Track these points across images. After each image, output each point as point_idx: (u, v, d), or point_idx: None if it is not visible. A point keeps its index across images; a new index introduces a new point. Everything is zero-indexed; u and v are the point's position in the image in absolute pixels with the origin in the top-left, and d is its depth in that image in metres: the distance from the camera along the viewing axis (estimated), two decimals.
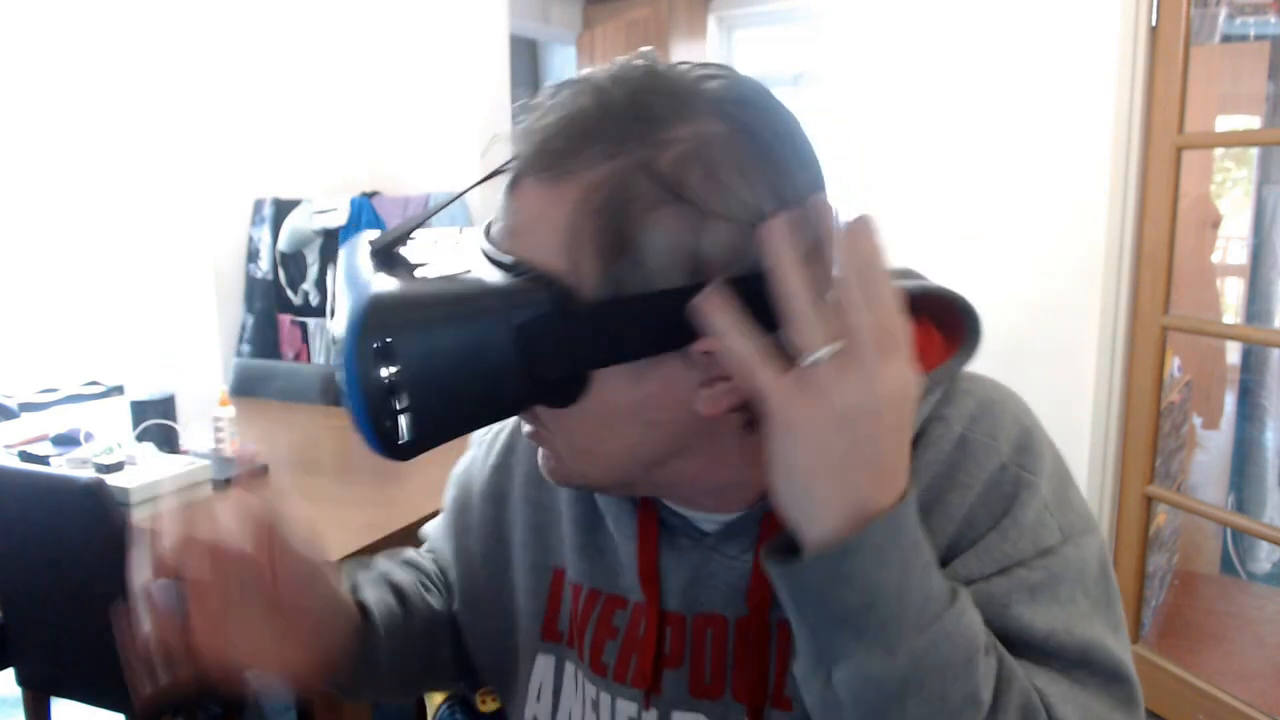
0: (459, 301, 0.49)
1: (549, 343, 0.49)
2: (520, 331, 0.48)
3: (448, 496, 0.81)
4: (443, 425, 0.50)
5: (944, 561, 0.56)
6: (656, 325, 0.49)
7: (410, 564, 0.81)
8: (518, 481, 0.74)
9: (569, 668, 0.70)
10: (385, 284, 0.49)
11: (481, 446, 0.79)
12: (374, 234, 0.57)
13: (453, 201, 0.62)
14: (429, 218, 0.56)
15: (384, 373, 0.47)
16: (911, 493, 0.48)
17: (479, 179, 0.60)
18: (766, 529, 0.62)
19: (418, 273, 0.51)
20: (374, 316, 0.47)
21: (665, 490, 0.63)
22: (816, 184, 0.53)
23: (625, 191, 0.49)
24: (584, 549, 0.69)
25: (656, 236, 0.48)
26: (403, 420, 0.48)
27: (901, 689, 0.47)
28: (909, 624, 0.47)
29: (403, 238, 0.55)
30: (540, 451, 0.61)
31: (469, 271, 0.51)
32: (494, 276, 0.50)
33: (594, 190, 0.49)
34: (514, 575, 0.74)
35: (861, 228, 0.47)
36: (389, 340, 0.47)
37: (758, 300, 0.47)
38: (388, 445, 0.49)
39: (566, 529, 0.71)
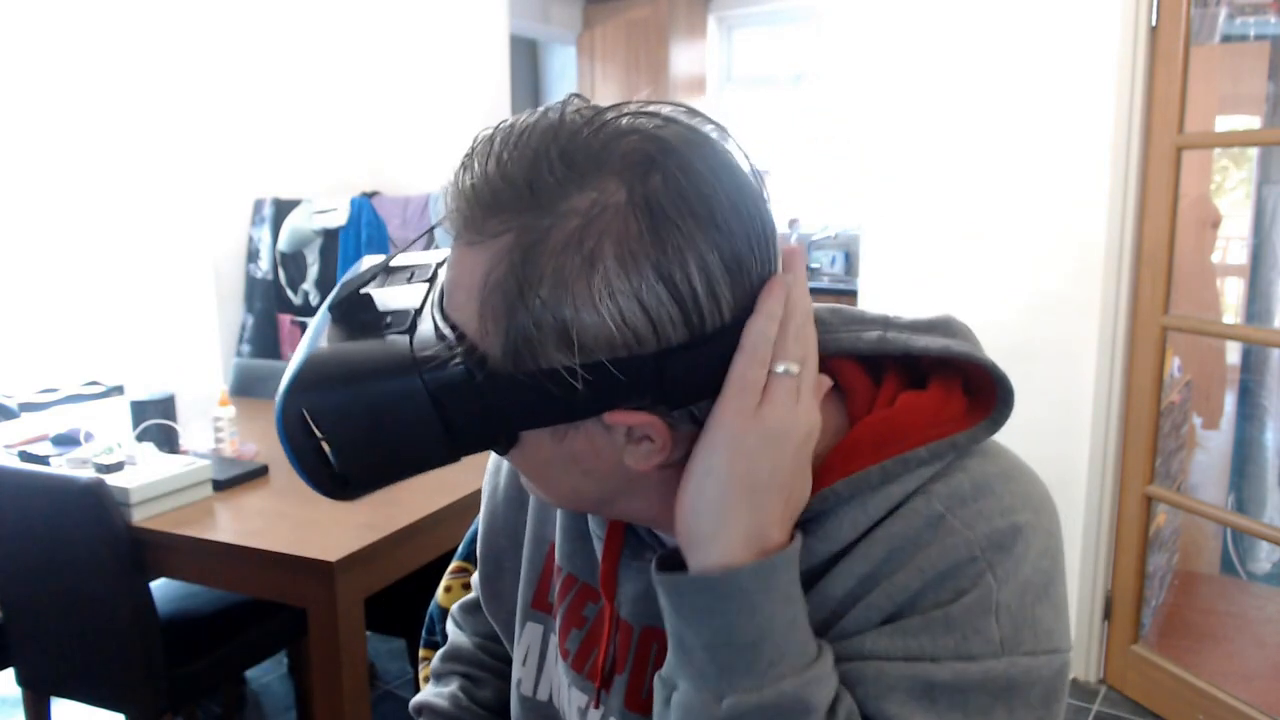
0: (379, 364, 0.51)
1: (465, 404, 0.50)
2: (437, 393, 0.50)
3: (486, 479, 0.83)
4: (374, 473, 0.54)
5: (859, 633, 0.55)
6: (559, 398, 0.49)
7: (447, 675, 0.87)
8: None
9: (551, 640, 0.73)
10: (319, 344, 0.53)
11: None
12: (367, 266, 0.59)
13: (396, 260, 0.62)
14: (380, 272, 0.58)
15: (309, 429, 0.51)
16: (798, 542, 0.52)
17: (419, 234, 0.64)
18: None
19: (359, 330, 0.54)
20: (300, 378, 0.51)
21: (630, 518, 0.63)
22: (746, 233, 0.50)
23: (516, 270, 0.48)
24: (569, 532, 0.71)
25: (541, 315, 0.47)
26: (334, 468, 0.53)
27: None
28: (773, 667, 0.50)
29: (361, 290, 0.56)
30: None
31: (405, 328, 0.53)
32: (425, 334, 0.52)
33: (496, 263, 0.48)
34: (524, 541, 0.77)
35: (798, 271, 0.52)
36: (313, 399, 0.51)
37: (648, 379, 0.49)
38: (325, 489, 0.54)
39: (560, 511, 0.73)
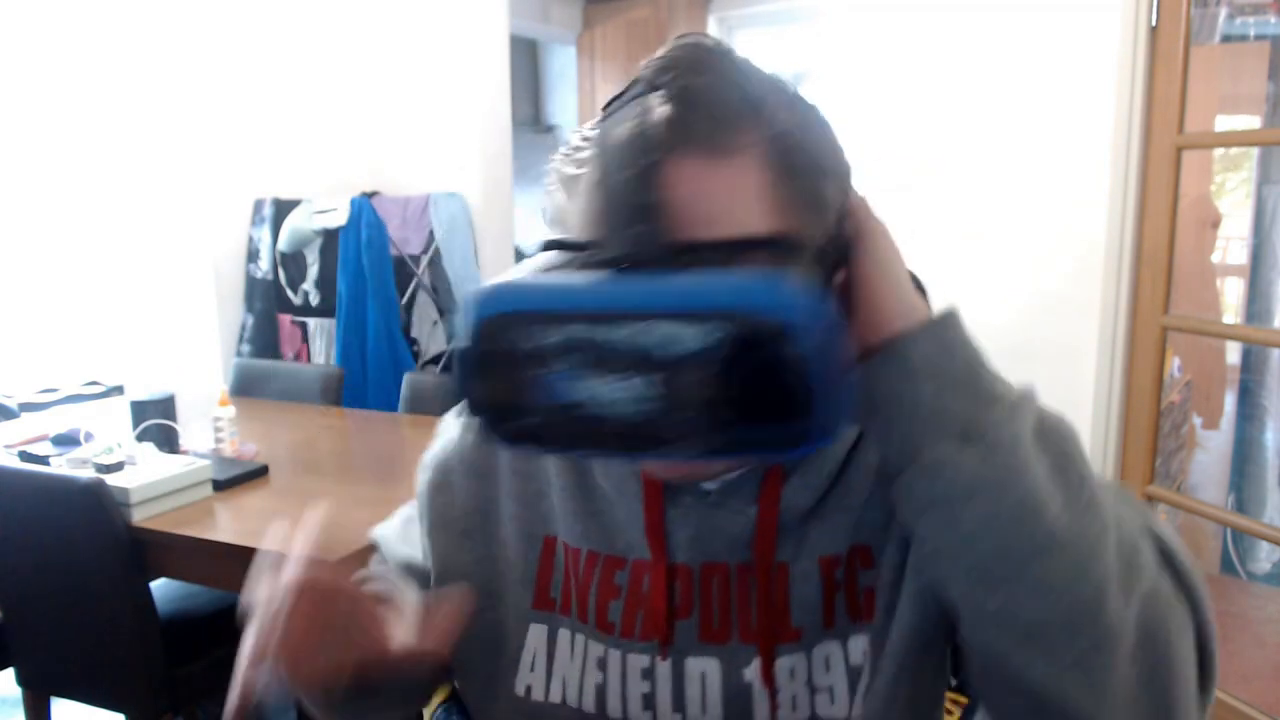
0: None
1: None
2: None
3: (420, 481, 0.81)
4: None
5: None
6: (832, 265, 0.56)
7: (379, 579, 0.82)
8: (504, 455, 0.76)
9: (563, 634, 0.72)
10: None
11: (455, 427, 0.80)
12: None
13: None
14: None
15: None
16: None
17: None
18: (767, 484, 0.67)
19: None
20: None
21: None
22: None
23: (798, 162, 0.55)
24: (579, 514, 0.72)
25: (826, 190, 0.56)
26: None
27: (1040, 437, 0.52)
28: (1010, 390, 0.54)
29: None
30: (669, 465, 0.63)
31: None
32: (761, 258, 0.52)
33: (780, 158, 0.55)
34: (500, 549, 0.75)
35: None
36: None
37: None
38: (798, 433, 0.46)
39: (557, 496, 0.73)
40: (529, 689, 0.73)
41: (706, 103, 0.54)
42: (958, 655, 0.69)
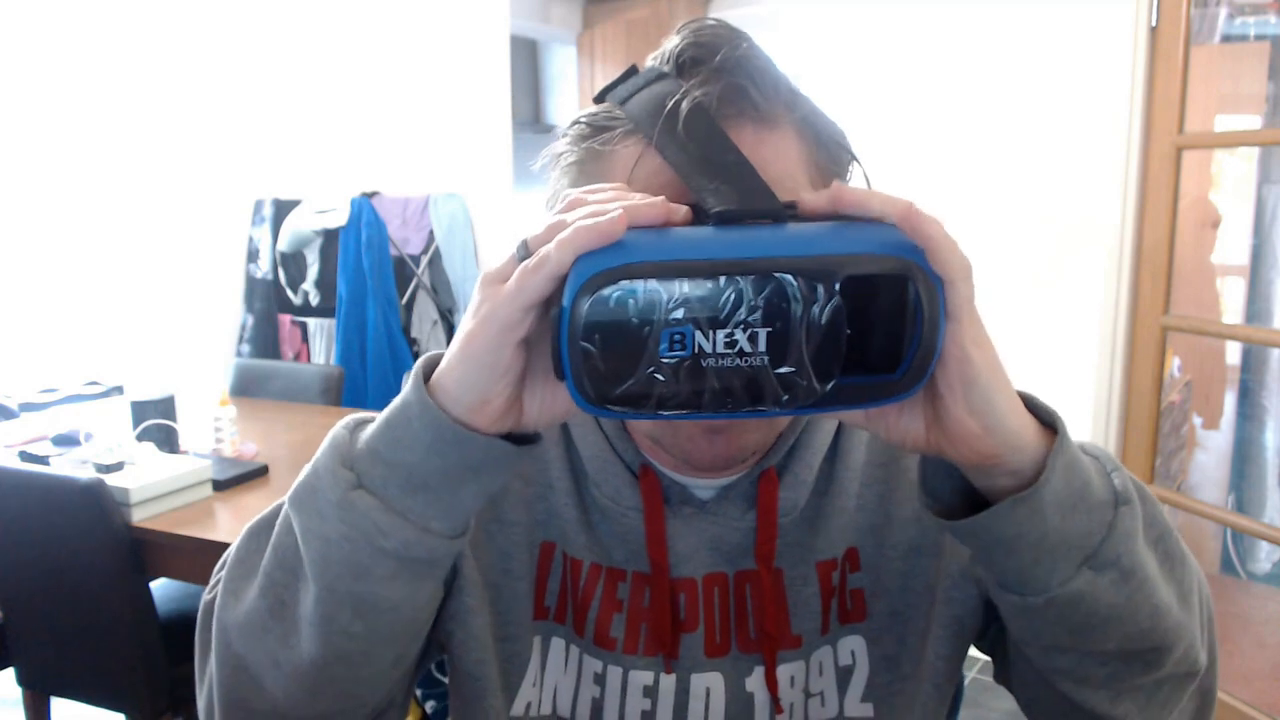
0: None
1: None
2: None
3: None
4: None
5: None
6: None
7: None
8: None
9: (556, 643, 0.70)
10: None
11: None
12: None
13: None
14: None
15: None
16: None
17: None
18: (763, 489, 0.66)
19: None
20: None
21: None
22: None
23: (822, 134, 0.59)
24: (580, 524, 0.69)
25: (846, 166, 0.60)
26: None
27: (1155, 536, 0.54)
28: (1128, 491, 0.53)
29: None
30: (716, 443, 0.60)
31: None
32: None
33: (810, 130, 0.58)
34: (500, 558, 0.70)
35: None
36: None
37: None
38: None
39: (560, 501, 0.70)
40: (529, 706, 0.69)
41: (751, 73, 0.55)
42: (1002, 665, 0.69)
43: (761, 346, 0.43)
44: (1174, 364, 2.76)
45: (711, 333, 0.43)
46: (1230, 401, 3.35)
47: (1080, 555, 0.50)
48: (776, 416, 0.51)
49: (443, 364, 0.49)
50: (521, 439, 0.50)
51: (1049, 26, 2.41)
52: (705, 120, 0.53)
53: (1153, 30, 2.26)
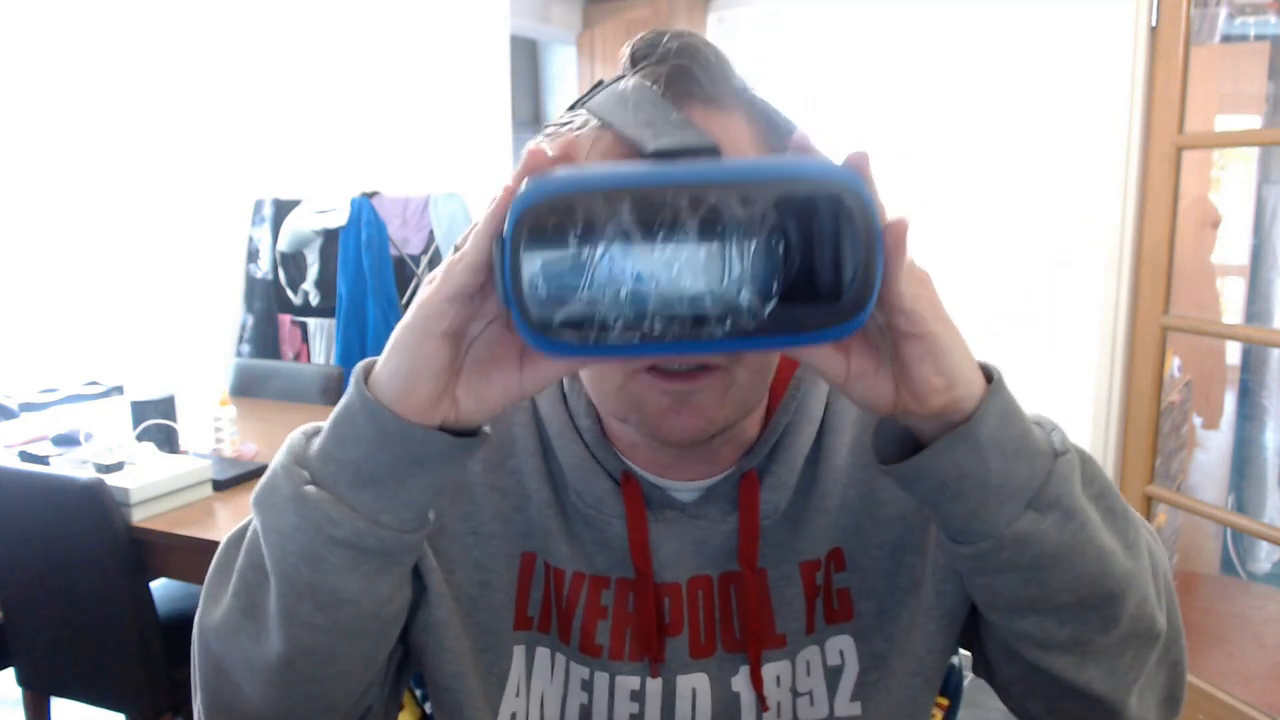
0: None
1: None
2: None
3: None
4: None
5: None
6: None
7: None
8: (476, 470, 0.71)
9: (541, 653, 0.70)
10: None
11: None
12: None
13: None
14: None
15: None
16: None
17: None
18: (744, 491, 0.67)
19: None
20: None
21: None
22: None
23: (774, 119, 0.61)
24: (561, 533, 0.70)
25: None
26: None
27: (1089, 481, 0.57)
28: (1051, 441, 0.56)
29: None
30: (683, 414, 0.60)
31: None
32: None
33: (760, 116, 0.61)
34: (477, 571, 0.69)
35: None
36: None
37: None
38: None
39: (538, 511, 0.70)
40: (513, 716, 0.69)
41: (698, 59, 0.58)
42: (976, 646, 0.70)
43: (700, 266, 0.44)
44: (1174, 364, 2.76)
45: (649, 253, 0.43)
46: (1230, 401, 3.35)
47: (1024, 497, 0.53)
48: (725, 351, 0.52)
49: (379, 362, 0.52)
50: (463, 434, 0.52)
51: (1049, 27, 2.42)
52: (651, 95, 0.56)
53: (1153, 30, 2.26)
